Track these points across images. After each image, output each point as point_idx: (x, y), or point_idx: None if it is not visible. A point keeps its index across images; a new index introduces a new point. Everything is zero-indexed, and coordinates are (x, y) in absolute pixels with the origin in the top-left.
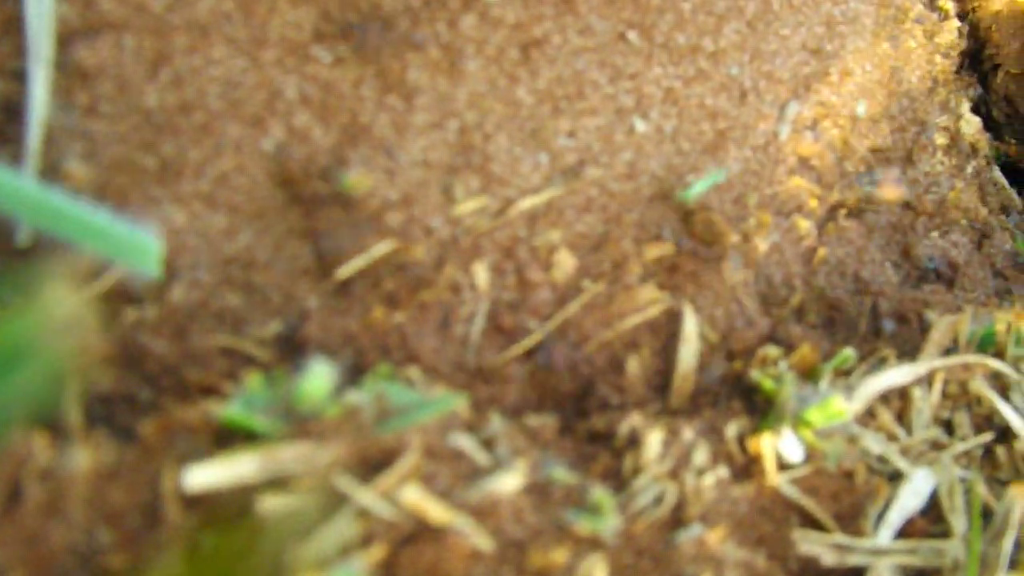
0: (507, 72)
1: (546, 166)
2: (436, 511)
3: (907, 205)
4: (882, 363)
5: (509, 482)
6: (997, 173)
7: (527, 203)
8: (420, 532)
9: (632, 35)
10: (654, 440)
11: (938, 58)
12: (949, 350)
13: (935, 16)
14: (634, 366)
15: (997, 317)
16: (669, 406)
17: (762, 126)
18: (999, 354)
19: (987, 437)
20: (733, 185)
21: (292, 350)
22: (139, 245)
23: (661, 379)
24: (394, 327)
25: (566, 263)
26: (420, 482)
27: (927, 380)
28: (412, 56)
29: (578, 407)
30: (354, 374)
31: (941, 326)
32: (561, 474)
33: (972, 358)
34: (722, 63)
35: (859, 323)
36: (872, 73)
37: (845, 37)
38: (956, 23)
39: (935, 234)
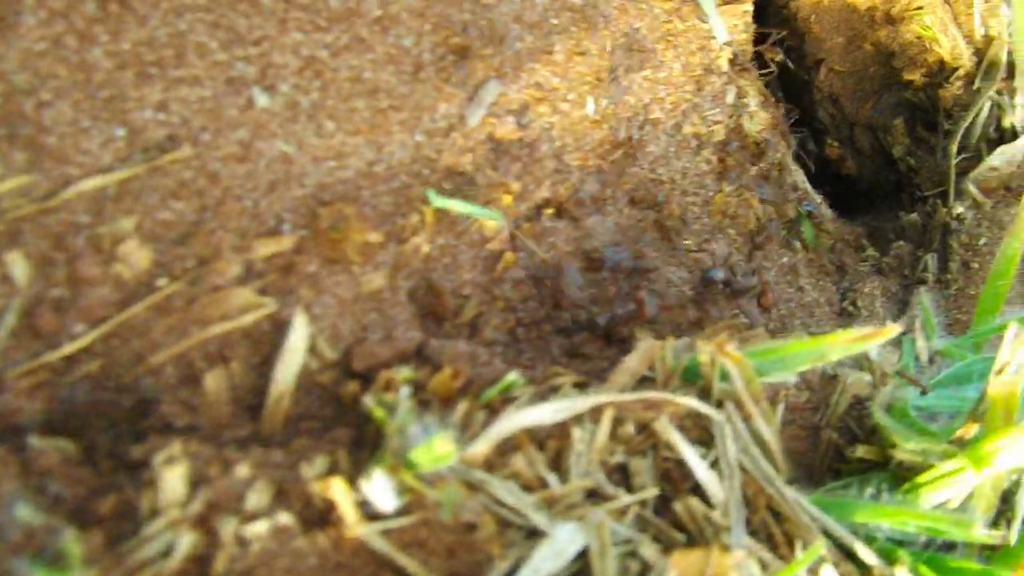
0: (78, 30)
1: (123, 142)
2: None
3: (650, 208)
4: (552, 393)
5: None
6: (798, 177)
7: (91, 184)
8: None
9: None
10: (174, 477)
11: (716, 43)
12: (646, 380)
13: None
14: (215, 383)
15: (699, 347)
16: (260, 432)
17: (443, 107)
18: (706, 389)
19: (654, 491)
20: (394, 174)
21: None
22: None
23: (257, 399)
24: None
25: (137, 256)
26: None
27: (594, 417)
28: None
29: (135, 428)
30: None
31: (636, 353)
32: (27, 513)
33: (654, 395)
34: (392, 31)
35: (551, 343)
36: (616, 55)
37: (579, 11)
38: (745, 6)
39: (688, 242)
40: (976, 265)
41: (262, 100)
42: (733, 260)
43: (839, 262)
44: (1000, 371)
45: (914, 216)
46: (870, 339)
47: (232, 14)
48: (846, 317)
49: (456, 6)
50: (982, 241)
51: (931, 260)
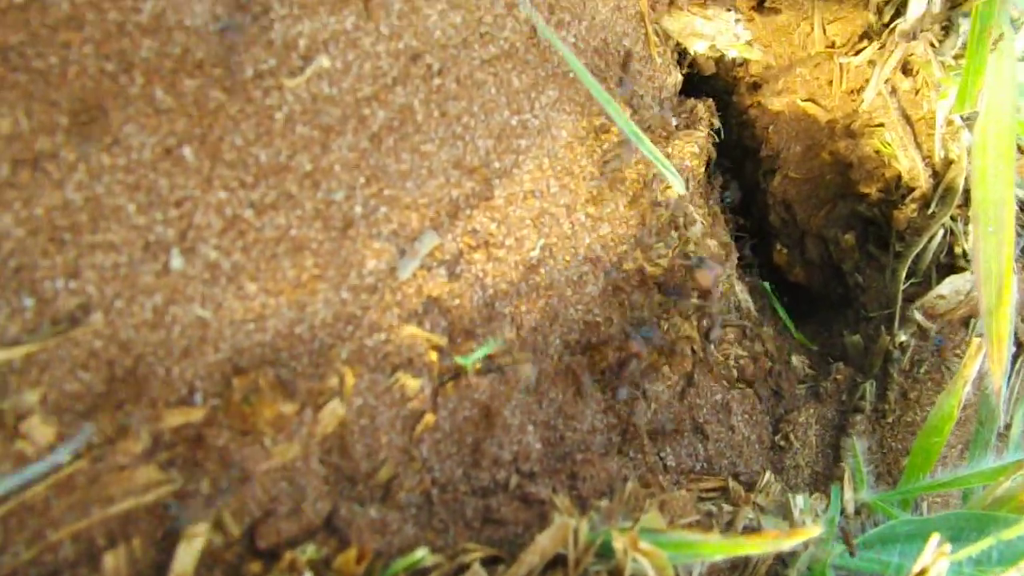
0: None
1: (31, 312)
2: None
3: (584, 352)
4: (461, 572)
5: None
6: (743, 297)
7: None
8: None
9: (187, 151)
10: None
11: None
12: (557, 562)
13: (674, 123)
14: (114, 561)
15: (613, 535)
16: None
17: (372, 263)
18: (619, 568)
19: None
20: (316, 334)
21: None
22: None
23: (160, 575)
24: None
25: (41, 433)
26: None
27: None
28: None
29: None
30: None
31: (549, 531)
32: None
33: None
34: (322, 186)
35: (465, 506)
36: (560, 195)
37: (523, 152)
38: (701, 132)
39: (623, 388)
40: (915, 395)
41: (179, 263)
42: (664, 402)
43: (776, 386)
44: None
45: (857, 338)
46: (787, 540)
47: (153, 174)
48: (778, 452)
49: (393, 156)
50: (923, 369)
51: (870, 388)
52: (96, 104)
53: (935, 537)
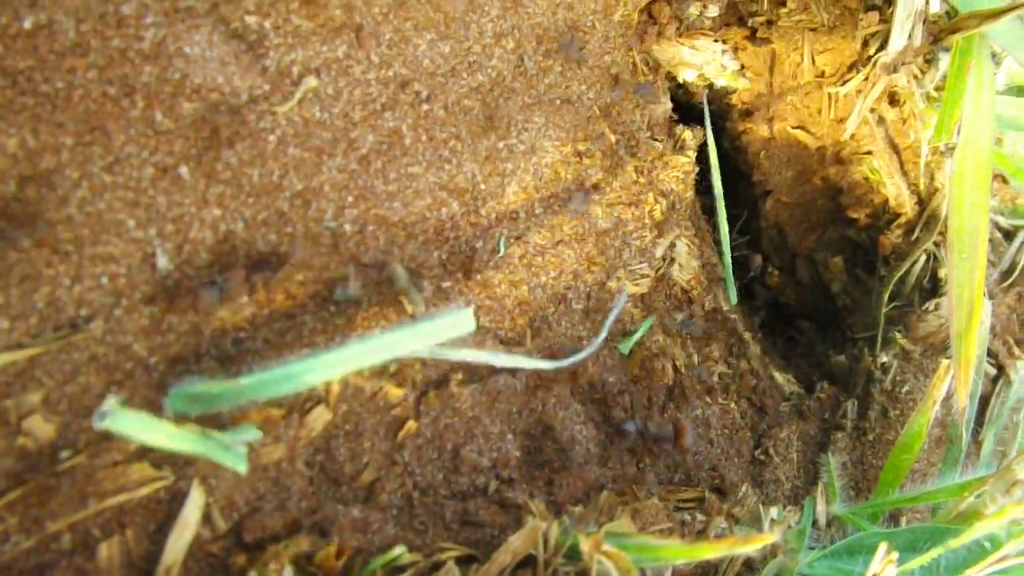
0: None
1: (35, 318)
2: None
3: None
4: (435, 570)
5: None
6: (732, 316)
7: (0, 360)
8: None
9: (184, 170)
10: None
11: (651, 197)
12: (528, 562)
13: (659, 147)
14: (109, 551)
15: (580, 539)
16: None
17: (359, 278)
18: (586, 570)
19: None
20: (303, 343)
21: None
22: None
23: (150, 565)
24: None
25: (40, 430)
26: None
27: None
28: None
29: None
30: None
31: (521, 533)
32: None
33: None
34: (313, 206)
35: (445, 509)
36: (544, 215)
37: (510, 174)
38: (687, 157)
39: (599, 396)
40: (895, 413)
41: (176, 275)
42: (643, 416)
43: (760, 403)
44: None
45: (842, 358)
46: (743, 545)
47: (152, 191)
48: (758, 466)
49: (381, 177)
50: (905, 389)
51: (851, 406)
52: (99, 125)
53: (883, 545)
